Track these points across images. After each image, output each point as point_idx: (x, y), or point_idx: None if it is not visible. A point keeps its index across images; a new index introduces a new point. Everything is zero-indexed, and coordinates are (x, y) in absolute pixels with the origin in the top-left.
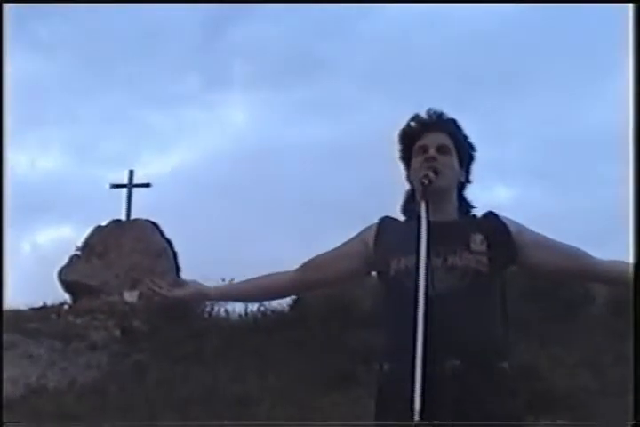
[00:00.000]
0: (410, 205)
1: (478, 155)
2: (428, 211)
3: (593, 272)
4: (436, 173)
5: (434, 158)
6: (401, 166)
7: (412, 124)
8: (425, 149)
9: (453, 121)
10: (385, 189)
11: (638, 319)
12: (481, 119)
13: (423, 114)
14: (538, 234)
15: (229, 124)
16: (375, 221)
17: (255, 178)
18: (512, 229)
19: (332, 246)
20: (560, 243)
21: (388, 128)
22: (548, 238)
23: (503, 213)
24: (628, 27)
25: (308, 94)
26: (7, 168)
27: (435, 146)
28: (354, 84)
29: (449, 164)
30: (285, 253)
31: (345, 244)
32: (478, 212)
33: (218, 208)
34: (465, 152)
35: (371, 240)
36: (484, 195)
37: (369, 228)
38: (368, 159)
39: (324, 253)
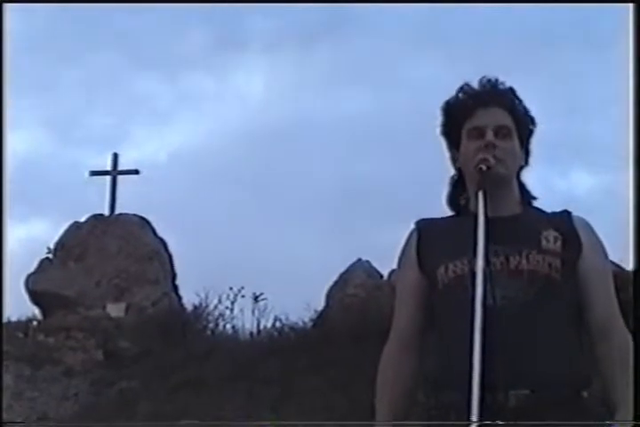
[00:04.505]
0: (457, 195)
1: (551, 132)
2: (486, 203)
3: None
4: (495, 158)
5: (493, 146)
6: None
7: (462, 96)
8: (481, 133)
9: (512, 91)
10: (438, 175)
11: (638, 318)
12: (555, 87)
13: (475, 83)
14: (600, 265)
15: (244, 95)
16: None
17: (275, 162)
18: (584, 241)
19: (371, 250)
20: (606, 295)
21: (443, 97)
22: (604, 280)
23: (583, 204)
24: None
25: (343, 56)
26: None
27: (492, 127)
28: (402, 42)
29: (510, 149)
30: (311, 256)
31: (409, 283)
32: (553, 203)
33: (226, 200)
34: (525, 130)
35: (415, 258)
36: (560, 183)
37: (409, 243)
38: (416, 138)
39: (401, 309)
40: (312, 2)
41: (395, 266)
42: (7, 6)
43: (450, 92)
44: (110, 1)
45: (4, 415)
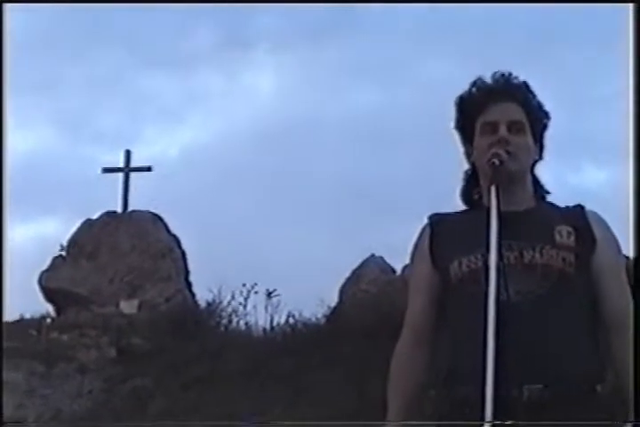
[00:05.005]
0: (471, 190)
1: (562, 127)
2: (498, 198)
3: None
4: (508, 153)
5: (506, 141)
6: (458, 140)
7: (475, 91)
8: (494, 128)
9: (525, 85)
10: (450, 171)
11: (639, 317)
12: (565, 82)
13: (488, 78)
14: (614, 260)
15: (253, 93)
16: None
17: (283, 161)
18: (598, 236)
19: (384, 246)
20: (620, 289)
21: (453, 95)
22: (617, 274)
23: (594, 198)
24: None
25: (352, 54)
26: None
27: (505, 122)
28: (409, 40)
29: (523, 144)
30: (324, 252)
31: (422, 278)
32: (563, 198)
33: (236, 198)
34: (539, 124)
35: (428, 253)
36: (570, 177)
37: (422, 238)
38: (427, 135)
39: (413, 304)
40: (320, 1)
41: (408, 261)
42: (7, 6)
43: (458, 89)
44: (120, 0)
45: (18, 412)
